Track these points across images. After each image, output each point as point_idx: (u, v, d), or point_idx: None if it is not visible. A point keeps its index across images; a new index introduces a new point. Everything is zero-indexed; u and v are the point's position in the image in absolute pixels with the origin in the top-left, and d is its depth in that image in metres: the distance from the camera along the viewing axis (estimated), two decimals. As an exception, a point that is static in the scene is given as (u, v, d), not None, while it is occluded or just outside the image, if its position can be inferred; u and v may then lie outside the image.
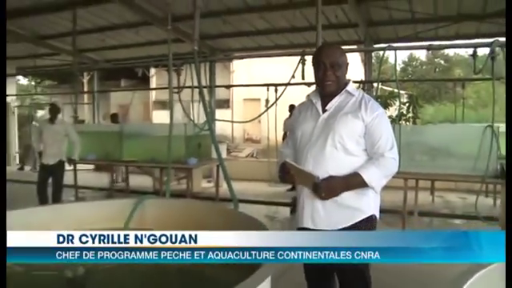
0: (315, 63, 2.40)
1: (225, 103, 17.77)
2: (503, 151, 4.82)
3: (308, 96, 2.56)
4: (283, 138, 8.98)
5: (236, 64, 18.67)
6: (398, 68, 36.87)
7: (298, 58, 6.90)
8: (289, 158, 2.52)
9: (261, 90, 10.16)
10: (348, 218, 2.31)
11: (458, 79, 9.82)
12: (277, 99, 6.59)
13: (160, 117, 19.03)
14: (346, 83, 2.42)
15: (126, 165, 7.00)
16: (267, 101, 9.40)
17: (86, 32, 9.69)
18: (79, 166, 7.35)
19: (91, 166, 11.00)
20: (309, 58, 5.99)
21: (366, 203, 2.36)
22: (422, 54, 41.90)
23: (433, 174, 5.71)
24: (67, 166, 6.57)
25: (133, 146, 6.75)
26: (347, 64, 2.42)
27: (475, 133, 5.28)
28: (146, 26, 9.15)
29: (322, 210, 2.32)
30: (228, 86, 14.56)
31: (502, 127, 4.80)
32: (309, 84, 7.67)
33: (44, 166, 6.33)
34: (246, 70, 17.18)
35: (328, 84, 2.35)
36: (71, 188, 7.59)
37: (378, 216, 2.40)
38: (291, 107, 8.48)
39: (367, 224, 2.36)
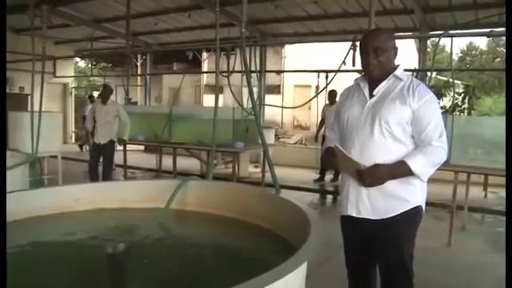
0: (360, 48, 2.35)
1: (275, 89, 17.71)
2: None
3: (356, 80, 2.49)
4: (320, 125, 8.93)
5: (288, 49, 18.54)
6: (456, 57, 35.44)
7: (350, 44, 6.79)
8: (335, 143, 2.48)
9: (312, 77, 10.04)
10: (394, 208, 2.25)
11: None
12: (326, 85, 6.48)
13: (210, 100, 19.25)
14: (395, 68, 2.34)
15: (173, 147, 7.11)
16: (317, 87, 9.30)
17: (139, 16, 9.90)
18: (129, 147, 7.54)
19: (141, 147, 11.34)
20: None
21: (412, 193, 2.28)
22: (482, 43, 39.81)
23: (486, 168, 5.43)
24: (117, 146, 6.79)
25: (181, 129, 6.86)
26: (396, 49, 2.34)
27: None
28: (198, 10, 9.23)
29: (367, 199, 2.27)
30: (278, 72, 14.48)
31: None
32: (359, 71, 7.53)
33: (96, 145, 6.56)
34: (298, 56, 17.01)
35: (371, 68, 2.29)
36: (121, 168, 7.87)
37: (424, 207, 2.32)
38: (331, 93, 8.36)
39: (413, 214, 2.29)
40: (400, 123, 2.21)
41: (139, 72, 15.02)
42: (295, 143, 15.36)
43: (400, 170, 2.20)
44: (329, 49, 14.09)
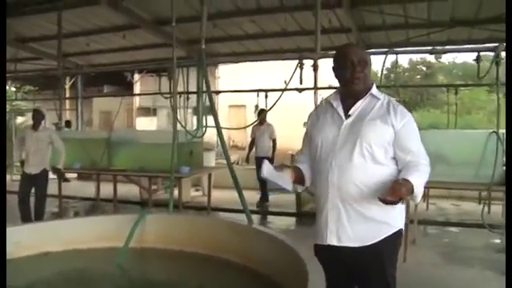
0: (341, 62, 2.20)
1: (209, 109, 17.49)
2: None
3: (326, 99, 2.35)
4: (250, 145, 8.90)
5: (221, 70, 18.47)
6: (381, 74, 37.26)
7: (286, 63, 6.81)
8: (301, 166, 2.33)
9: (247, 97, 9.92)
10: (376, 234, 2.13)
11: (455, 85, 9.71)
12: (274, 104, 6.35)
13: (143, 123, 18.71)
14: (371, 86, 2.23)
15: (114, 174, 6.63)
16: (257, 106, 9.22)
17: (70, 35, 9.35)
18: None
19: (75, 175, 10.63)
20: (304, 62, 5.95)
21: (394, 216, 2.18)
22: (404, 61, 42.32)
23: (434, 182, 5.53)
24: (51, 175, 6.23)
25: (121, 154, 6.43)
26: (371, 64, 2.24)
27: (476, 139, 5.14)
28: (133, 29, 8.88)
29: (348, 225, 2.13)
30: (218, 92, 14.27)
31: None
32: (300, 90, 7.57)
33: (26, 176, 5.99)
34: (231, 77, 16.99)
35: (356, 82, 2.16)
36: (55, 198, 7.25)
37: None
38: (261, 113, 8.43)
39: (395, 239, 2.18)
40: (382, 144, 2.11)
41: (67, 95, 14.22)
42: (232, 164, 15.11)
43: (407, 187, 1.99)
44: (263, 68, 14.19)
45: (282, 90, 6.04)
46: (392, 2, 7.51)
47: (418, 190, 2.04)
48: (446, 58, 31.45)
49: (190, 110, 8.27)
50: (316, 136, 2.25)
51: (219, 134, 2.23)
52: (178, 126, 6.72)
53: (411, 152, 2.12)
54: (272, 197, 9.25)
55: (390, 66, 37.15)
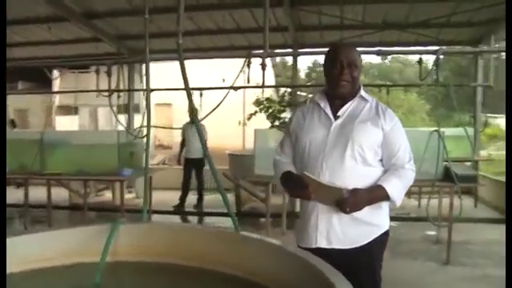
0: (330, 61, 2.17)
1: (135, 108, 16.91)
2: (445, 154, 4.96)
3: (313, 99, 2.30)
4: (181, 145, 8.68)
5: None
6: (303, 73, 38.24)
7: (224, 61, 6.69)
8: (290, 168, 2.28)
9: (173, 95, 9.55)
10: (365, 235, 2.15)
11: (387, 85, 10.14)
12: (220, 103, 6.18)
13: (64, 123, 17.65)
14: (359, 88, 2.22)
15: (48, 178, 6.09)
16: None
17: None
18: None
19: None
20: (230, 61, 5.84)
21: (382, 217, 2.22)
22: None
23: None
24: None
25: (56, 157, 5.92)
26: (361, 66, 2.22)
27: (418, 137, 5.38)
28: (60, 22, 8.28)
29: (339, 227, 2.12)
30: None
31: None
32: (236, 88, 7.46)
33: None
34: (158, 74, 16.51)
35: (344, 84, 2.13)
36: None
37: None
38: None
39: (383, 239, 2.22)
40: (372, 147, 2.12)
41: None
42: (158, 164, 14.74)
43: (378, 194, 2.12)
44: (193, 66, 13.89)
45: (217, 89, 5.91)
46: (331, 3, 7.67)
47: (396, 196, 2.11)
48: (364, 59, 33.01)
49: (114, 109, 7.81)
50: (303, 136, 2.21)
51: (203, 139, 2.07)
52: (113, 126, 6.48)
53: (397, 155, 2.15)
54: (209, 197, 9.13)
55: (311, 65, 38.35)
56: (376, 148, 2.12)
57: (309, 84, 13.57)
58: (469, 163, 7.68)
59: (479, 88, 8.35)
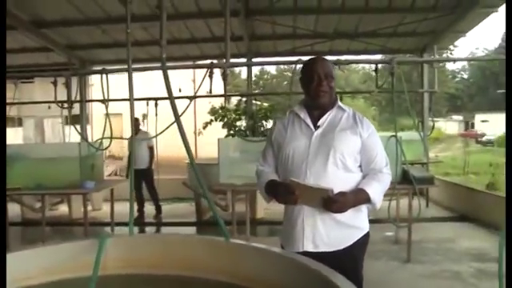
0: (308, 74, 2.30)
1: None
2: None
3: (292, 110, 2.41)
4: (129, 159, 8.54)
5: (95, 77, 17.40)
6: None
7: (179, 71, 6.63)
8: (273, 176, 2.37)
9: (122, 105, 9.27)
10: (348, 238, 2.26)
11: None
12: (184, 111, 6.15)
13: (8, 135, 16.82)
14: (336, 98, 2.36)
15: (8, 194, 5.82)
16: (144, 115, 8.80)
17: None
18: None
19: None
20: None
21: (362, 220, 2.34)
22: (272, 68, 44.49)
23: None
24: None
25: (13, 171, 5.66)
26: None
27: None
28: (8, 30, 7.94)
29: (323, 230, 2.22)
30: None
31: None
32: (191, 98, 7.43)
33: None
34: (111, 84, 16.09)
35: (323, 94, 2.26)
36: None
37: None
38: (136, 122, 8.06)
39: (365, 241, 2.33)
40: (353, 154, 2.24)
41: None
42: (109, 175, 14.41)
43: (362, 197, 2.23)
44: (139, 76, 13.63)
45: (173, 98, 5.79)
46: (284, 14, 7.86)
47: (377, 199, 2.23)
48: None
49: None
50: (286, 146, 2.30)
51: (187, 148, 2.09)
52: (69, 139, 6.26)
53: (375, 161, 2.28)
54: (167, 207, 9.05)
55: (258, 73, 38.86)
56: (356, 155, 2.25)
57: (264, 92, 13.68)
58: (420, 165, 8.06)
59: (426, 94, 8.80)
